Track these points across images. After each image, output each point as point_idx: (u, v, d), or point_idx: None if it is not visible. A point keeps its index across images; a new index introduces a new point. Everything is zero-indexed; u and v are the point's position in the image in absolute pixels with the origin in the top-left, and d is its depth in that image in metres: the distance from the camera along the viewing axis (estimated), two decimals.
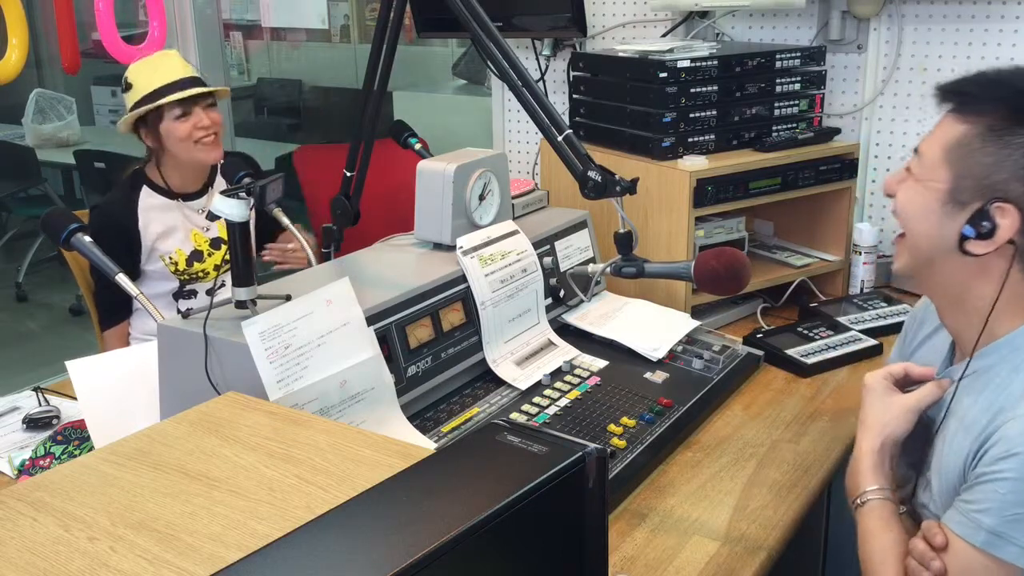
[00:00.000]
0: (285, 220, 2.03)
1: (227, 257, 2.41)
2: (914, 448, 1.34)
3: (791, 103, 2.28)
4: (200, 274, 2.40)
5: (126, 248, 2.31)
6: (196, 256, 2.39)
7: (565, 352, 1.89)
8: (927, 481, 1.28)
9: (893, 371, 1.34)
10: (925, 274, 1.28)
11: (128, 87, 2.32)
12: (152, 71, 2.31)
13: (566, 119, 2.21)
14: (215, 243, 2.42)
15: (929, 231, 1.22)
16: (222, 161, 2.40)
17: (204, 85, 2.33)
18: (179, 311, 2.38)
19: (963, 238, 1.17)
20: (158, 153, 2.36)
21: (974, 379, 1.24)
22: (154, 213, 2.36)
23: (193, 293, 2.41)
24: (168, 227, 2.37)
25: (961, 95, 1.21)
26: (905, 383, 1.35)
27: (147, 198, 2.37)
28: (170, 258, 2.36)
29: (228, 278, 2.44)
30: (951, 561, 1.16)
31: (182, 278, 2.38)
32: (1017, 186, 1.14)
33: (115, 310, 2.40)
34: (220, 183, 2.42)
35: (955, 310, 1.26)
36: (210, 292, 2.37)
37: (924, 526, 1.20)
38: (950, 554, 1.16)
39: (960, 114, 1.20)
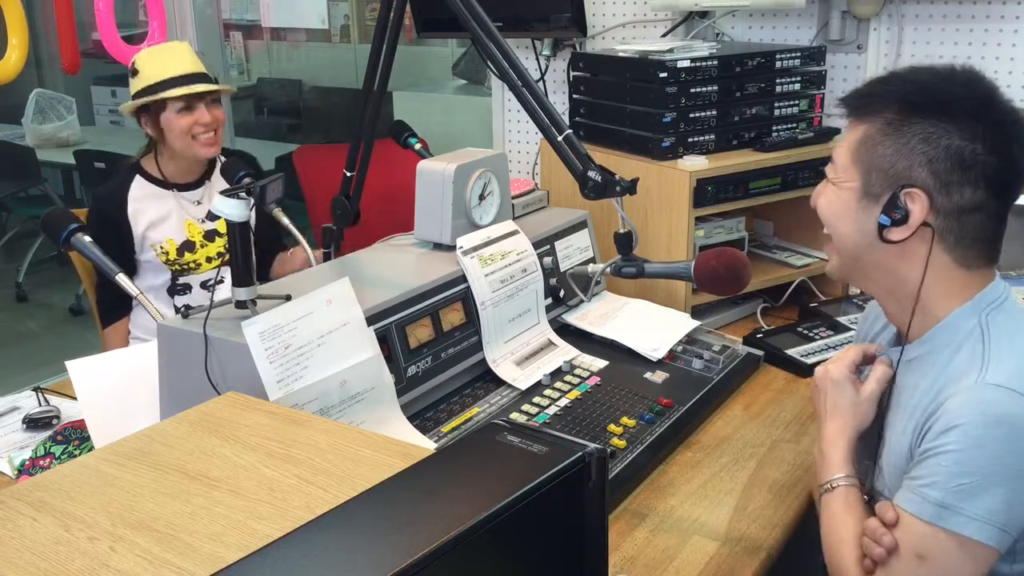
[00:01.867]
0: (285, 220, 2.03)
1: (220, 251, 2.41)
2: (868, 439, 1.36)
3: (791, 103, 2.28)
4: (192, 265, 2.39)
5: (116, 238, 2.30)
6: (188, 246, 2.39)
7: (565, 352, 1.89)
8: (879, 468, 1.31)
9: (853, 358, 1.38)
10: (857, 271, 1.34)
11: (135, 72, 2.32)
12: (161, 61, 2.31)
13: (566, 119, 2.21)
14: (209, 235, 2.41)
15: (851, 228, 1.29)
16: (221, 157, 2.40)
17: (210, 81, 2.33)
18: (175, 308, 2.38)
19: (881, 227, 1.24)
20: (157, 143, 2.36)
21: (916, 364, 1.28)
22: (145, 202, 2.36)
23: (188, 288, 2.40)
24: (160, 216, 2.36)
25: (858, 99, 1.30)
26: (863, 364, 1.40)
27: (139, 188, 2.37)
28: (161, 247, 2.36)
29: (227, 273, 2.45)
30: (902, 537, 1.18)
31: (173, 268, 2.37)
32: (920, 171, 1.21)
33: (115, 307, 2.40)
34: (218, 177, 2.42)
35: (891, 300, 1.32)
36: (205, 285, 2.38)
37: (877, 506, 1.24)
38: (901, 530, 1.18)
39: (860, 118, 1.28)
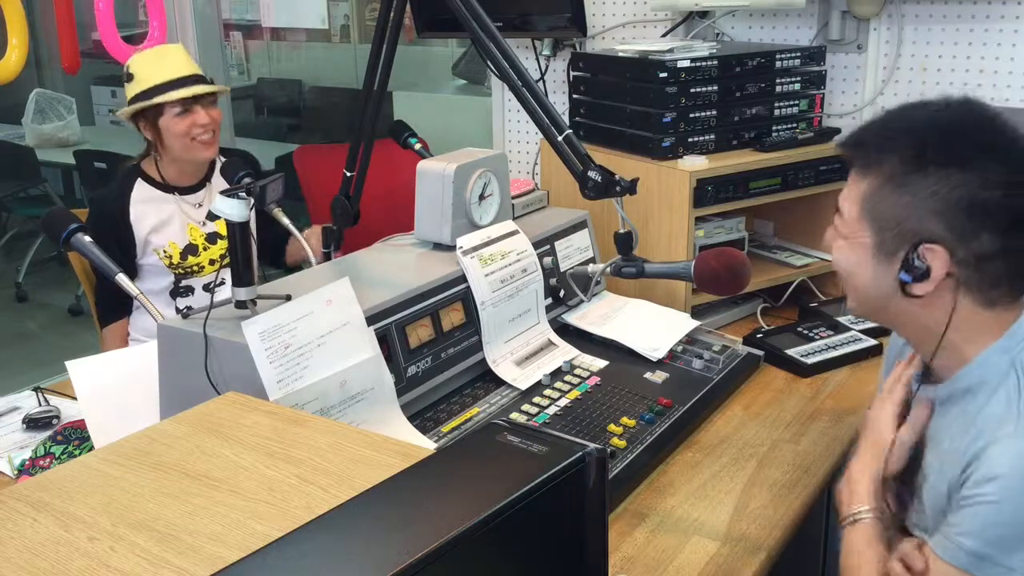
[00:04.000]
0: (285, 220, 2.03)
1: (223, 253, 2.41)
2: (908, 471, 1.35)
3: (791, 103, 2.28)
4: (195, 268, 2.40)
5: (117, 241, 2.30)
6: (191, 249, 2.39)
7: (565, 352, 1.89)
8: (921, 503, 1.30)
9: (901, 397, 1.35)
10: (880, 317, 1.32)
11: (129, 77, 2.32)
12: (155, 64, 2.30)
13: (566, 119, 2.21)
14: (211, 238, 2.41)
15: (869, 282, 1.26)
16: (221, 159, 2.40)
17: (206, 82, 2.33)
18: (177, 309, 2.38)
19: (902, 283, 1.21)
20: (155, 146, 2.36)
21: (949, 404, 1.25)
22: (148, 206, 2.36)
23: (190, 290, 2.41)
24: (162, 220, 2.36)
25: (854, 149, 1.26)
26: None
27: (141, 191, 2.36)
28: (164, 251, 2.36)
29: (228, 275, 2.43)
30: None
31: (176, 272, 2.37)
32: (934, 226, 1.17)
33: (114, 308, 2.40)
34: (218, 178, 2.41)
35: (919, 339, 1.29)
36: (207, 288, 2.37)
37: (901, 548, 1.22)
38: (934, 574, 1.17)
39: (861, 169, 1.25)
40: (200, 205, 2.42)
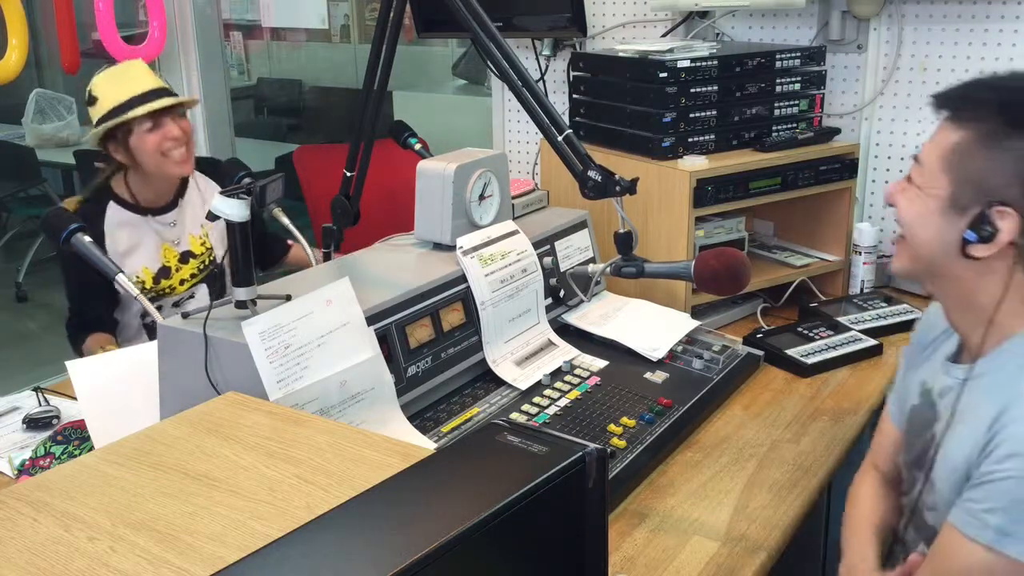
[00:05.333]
0: (285, 220, 2.03)
1: (194, 272, 2.34)
2: (918, 453, 1.35)
3: (791, 103, 2.28)
4: (167, 290, 2.31)
5: (98, 272, 2.12)
6: (163, 273, 2.30)
7: (565, 352, 1.89)
8: (931, 482, 1.29)
9: None
10: (929, 277, 1.30)
11: (93, 100, 2.22)
12: (118, 83, 2.21)
13: (566, 119, 2.21)
14: (183, 257, 2.34)
15: (932, 237, 1.24)
16: (195, 173, 2.32)
17: (172, 95, 2.25)
18: (142, 324, 2.30)
19: (965, 242, 1.20)
20: (127, 167, 2.26)
21: (982, 380, 1.24)
22: (122, 230, 2.26)
23: (159, 308, 2.26)
24: (134, 243, 2.27)
25: (957, 101, 1.24)
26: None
27: (114, 214, 2.26)
28: (137, 277, 2.25)
29: (200, 288, 2.37)
30: (956, 559, 1.17)
31: (149, 296, 2.23)
32: (1015, 190, 1.16)
33: (89, 322, 2.27)
34: (191, 196, 2.35)
35: (962, 310, 1.28)
36: (177, 305, 2.30)
37: (908, 564, 1.22)
38: (955, 552, 1.17)
39: (956, 121, 1.22)
40: (174, 224, 2.33)
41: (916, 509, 1.34)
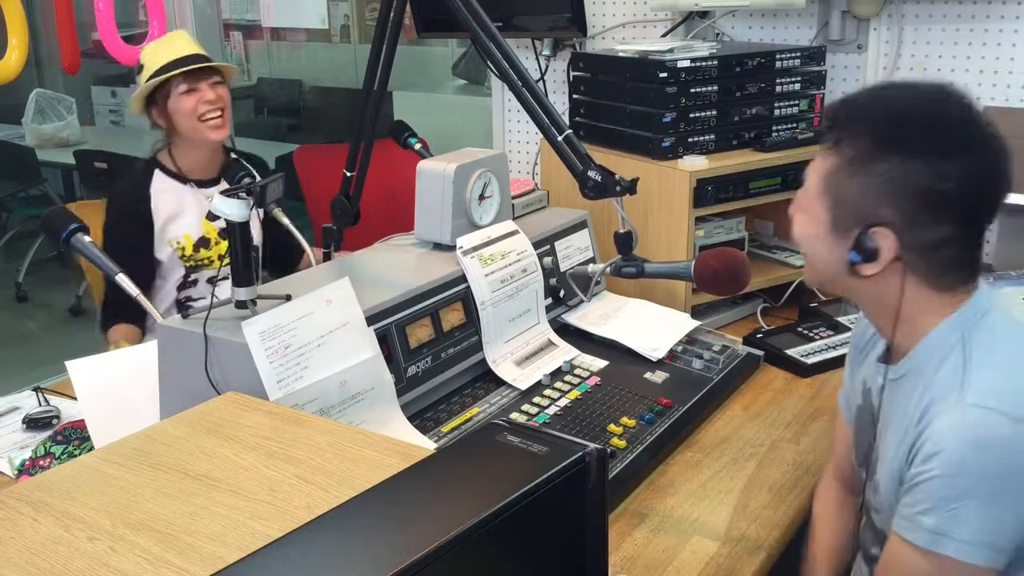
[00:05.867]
0: (285, 220, 2.02)
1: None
2: (863, 448, 1.36)
3: (791, 103, 2.28)
4: (206, 261, 2.40)
5: (142, 229, 2.31)
6: (204, 243, 2.39)
7: (565, 352, 1.89)
8: (875, 484, 1.30)
9: None
10: (835, 289, 1.36)
11: (140, 69, 2.35)
12: (161, 49, 2.34)
13: (566, 119, 2.21)
14: (223, 233, 2.40)
15: (823, 257, 1.29)
16: (230, 146, 2.40)
17: (211, 61, 2.35)
18: (178, 300, 2.37)
19: (851, 263, 1.23)
20: (169, 134, 2.37)
21: (904, 381, 1.27)
22: (166, 195, 2.37)
23: (194, 283, 2.40)
24: (177, 210, 2.37)
25: (831, 122, 1.27)
26: None
27: (159, 181, 2.38)
28: (178, 243, 2.36)
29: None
30: (901, 565, 1.18)
31: (188, 264, 2.37)
32: (887, 210, 1.19)
33: (121, 309, 2.34)
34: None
35: (875, 315, 1.31)
36: (211, 281, 2.37)
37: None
38: (899, 559, 1.18)
39: (831, 144, 1.26)
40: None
41: (864, 510, 1.35)
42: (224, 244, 2.40)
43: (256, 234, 2.41)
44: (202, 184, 2.41)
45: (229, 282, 2.39)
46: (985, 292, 1.25)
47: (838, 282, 1.30)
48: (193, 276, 2.40)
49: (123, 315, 2.33)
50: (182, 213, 2.38)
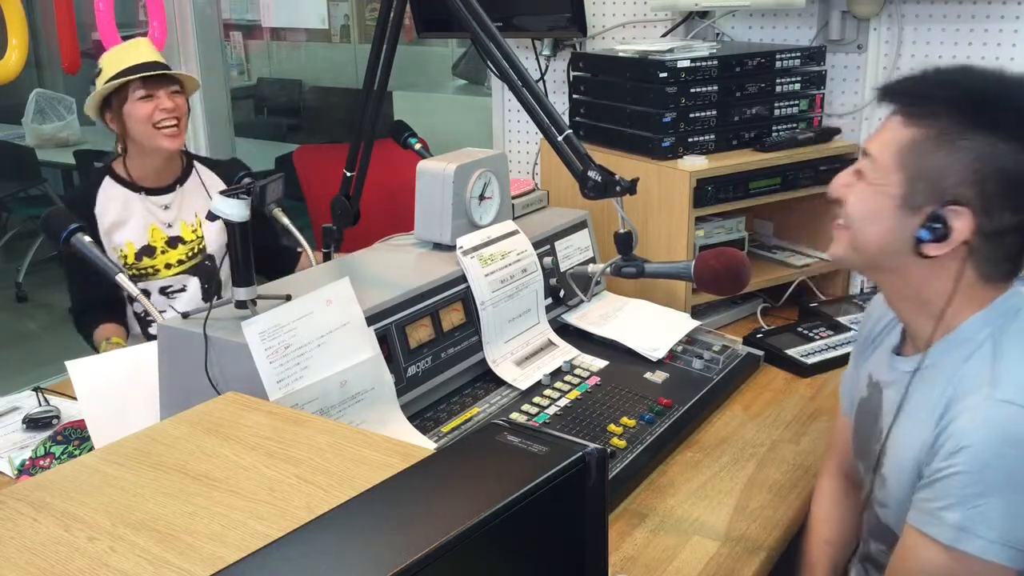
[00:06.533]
0: (285, 220, 2.03)
1: (181, 259, 2.36)
2: (866, 446, 1.35)
3: (791, 103, 2.28)
4: (150, 271, 2.34)
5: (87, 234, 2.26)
6: (147, 251, 2.34)
7: (565, 352, 1.89)
8: (882, 478, 1.28)
9: None
10: (873, 270, 1.30)
11: (98, 72, 2.31)
12: (121, 55, 2.30)
13: (566, 119, 2.21)
14: (172, 242, 2.36)
15: (882, 234, 1.23)
16: (191, 153, 2.37)
17: (169, 70, 2.31)
18: (134, 313, 2.34)
19: (918, 241, 1.19)
20: (123, 141, 2.33)
21: (928, 373, 1.24)
22: (112, 203, 2.32)
23: (146, 293, 2.29)
24: (122, 217, 2.32)
25: (907, 98, 1.23)
26: None
27: (107, 189, 2.34)
28: (120, 251, 2.31)
29: (192, 281, 2.39)
30: (918, 560, 1.17)
31: (131, 272, 2.30)
32: (969, 189, 1.15)
33: (93, 310, 2.32)
34: (191, 185, 2.39)
35: (908, 303, 1.27)
36: (164, 291, 2.32)
37: None
38: (916, 553, 1.17)
39: (908, 118, 1.21)
40: (167, 207, 2.36)
41: (867, 505, 1.34)
42: (173, 253, 2.36)
43: (213, 242, 2.40)
44: (153, 192, 2.36)
45: (185, 293, 2.39)
46: (1018, 290, 1.23)
47: (888, 261, 1.24)
48: (141, 285, 2.30)
49: (104, 315, 2.30)
50: (127, 221, 2.33)
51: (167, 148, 2.31)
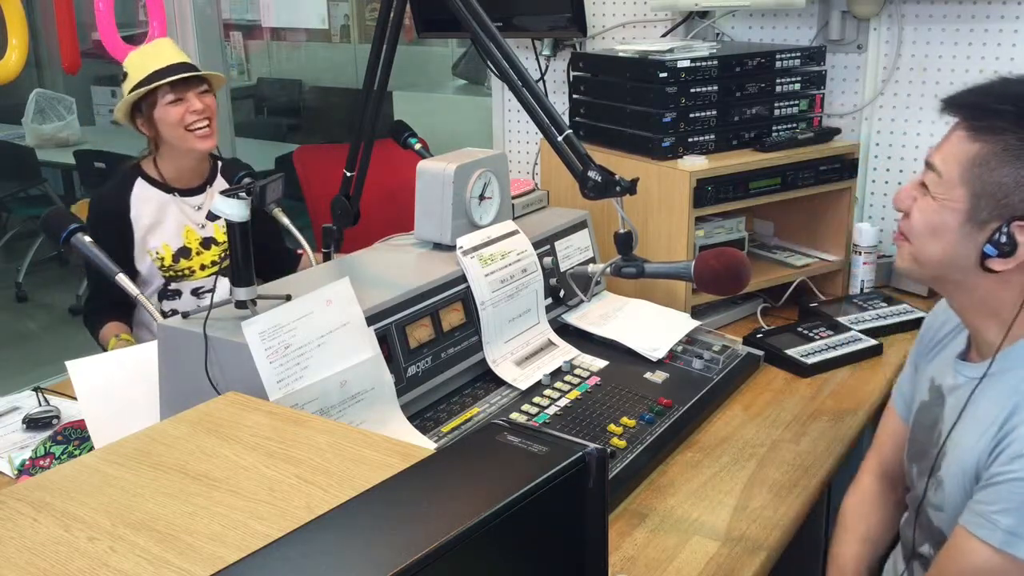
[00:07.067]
0: (285, 220, 2.03)
1: (215, 260, 2.38)
2: (923, 450, 1.34)
3: (791, 103, 2.28)
4: (186, 272, 2.37)
5: (118, 240, 2.27)
6: (183, 252, 2.36)
7: (565, 352, 1.89)
8: (938, 482, 1.29)
9: None
10: (938, 284, 1.30)
11: (124, 76, 2.32)
12: (146, 58, 2.30)
13: (566, 119, 2.21)
14: (206, 243, 2.39)
15: (947, 249, 1.23)
16: (217, 154, 2.38)
17: (197, 71, 2.33)
18: (162, 311, 2.34)
19: (984, 256, 1.19)
20: (155, 143, 2.35)
21: (993, 380, 1.24)
22: (146, 205, 2.34)
23: (177, 294, 2.37)
24: (158, 219, 2.34)
25: (972, 111, 1.21)
26: None
27: (140, 189, 2.35)
28: (157, 253, 2.34)
29: (222, 282, 2.42)
30: (966, 560, 1.17)
31: (167, 274, 2.34)
32: None
33: (105, 308, 2.33)
34: (220, 182, 2.40)
35: (975, 313, 1.27)
36: (195, 292, 2.35)
37: None
38: (965, 553, 1.17)
39: (974, 132, 1.20)
40: (200, 208, 2.40)
41: (921, 508, 1.34)
42: (207, 254, 2.39)
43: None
44: (186, 193, 2.38)
45: (219, 287, 2.42)
46: None
47: (952, 274, 1.24)
48: (174, 286, 2.37)
49: (112, 314, 2.31)
50: (162, 223, 2.35)
51: (201, 149, 2.33)
